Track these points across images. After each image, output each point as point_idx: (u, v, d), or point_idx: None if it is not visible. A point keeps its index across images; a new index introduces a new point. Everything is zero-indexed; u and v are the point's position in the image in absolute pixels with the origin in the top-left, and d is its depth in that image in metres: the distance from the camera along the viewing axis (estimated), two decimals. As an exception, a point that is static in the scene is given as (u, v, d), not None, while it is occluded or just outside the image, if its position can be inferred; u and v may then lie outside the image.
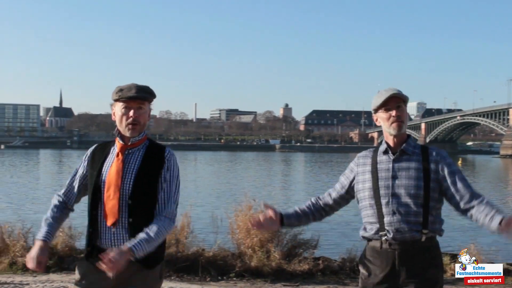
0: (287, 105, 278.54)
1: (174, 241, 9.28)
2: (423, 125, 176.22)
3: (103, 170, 3.80)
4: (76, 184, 3.98)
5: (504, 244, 10.73)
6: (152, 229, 3.61)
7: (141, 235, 3.58)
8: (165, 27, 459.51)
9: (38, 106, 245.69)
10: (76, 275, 3.87)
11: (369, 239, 4.03)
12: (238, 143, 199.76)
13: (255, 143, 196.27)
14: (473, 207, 3.80)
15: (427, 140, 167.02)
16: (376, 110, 4.03)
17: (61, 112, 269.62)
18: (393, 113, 3.92)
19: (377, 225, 3.94)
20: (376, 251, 3.98)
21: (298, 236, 9.75)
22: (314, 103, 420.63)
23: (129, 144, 3.82)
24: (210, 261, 9.17)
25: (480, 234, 10.59)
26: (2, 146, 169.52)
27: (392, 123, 3.93)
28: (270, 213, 4.11)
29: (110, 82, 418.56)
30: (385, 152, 4.01)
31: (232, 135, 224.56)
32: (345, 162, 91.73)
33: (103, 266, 3.42)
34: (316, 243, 9.82)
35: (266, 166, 75.23)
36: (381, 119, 4.00)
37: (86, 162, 3.95)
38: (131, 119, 3.76)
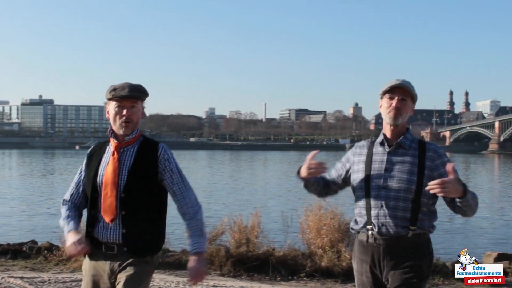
0: (357, 104, 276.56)
1: (245, 241, 9.31)
2: (497, 124, 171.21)
3: (99, 170, 3.91)
4: (80, 185, 4.07)
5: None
6: (194, 225, 3.89)
7: (194, 232, 3.88)
8: (237, 27, 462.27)
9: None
10: (83, 271, 4.03)
11: (357, 232, 3.99)
12: (308, 143, 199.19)
13: (324, 143, 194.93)
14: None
15: (501, 139, 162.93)
16: (382, 96, 4.00)
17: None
18: (394, 102, 3.89)
19: (365, 218, 3.91)
20: (363, 245, 3.95)
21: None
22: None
23: (123, 142, 3.91)
24: (281, 261, 9.17)
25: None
26: (77, 147, 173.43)
27: (389, 111, 3.90)
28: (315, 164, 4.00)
29: (182, 84, 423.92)
30: (382, 144, 3.98)
31: (301, 135, 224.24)
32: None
33: (191, 283, 3.83)
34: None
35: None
36: (383, 106, 3.97)
37: (85, 165, 4.06)
38: (124, 117, 3.84)
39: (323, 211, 9.50)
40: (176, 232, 12.92)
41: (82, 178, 4.06)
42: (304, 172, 3.97)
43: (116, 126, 3.89)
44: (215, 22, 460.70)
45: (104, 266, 3.85)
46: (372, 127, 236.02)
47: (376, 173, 3.89)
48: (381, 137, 4.00)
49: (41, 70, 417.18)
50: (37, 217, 21.13)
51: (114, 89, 3.87)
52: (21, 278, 8.41)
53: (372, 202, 3.86)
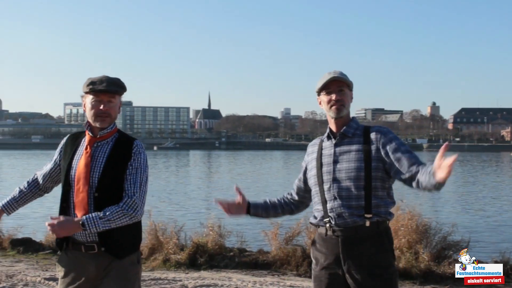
0: (434, 103, 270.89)
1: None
2: None
3: (73, 163, 3.85)
4: (47, 169, 4.10)
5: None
6: (108, 210, 3.64)
7: (96, 213, 3.63)
8: (313, 27, 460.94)
9: (188, 109, 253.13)
10: (59, 272, 3.89)
11: (316, 226, 3.98)
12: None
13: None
14: (417, 172, 3.58)
15: None
16: (318, 93, 4.00)
17: (210, 114, 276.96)
18: (333, 96, 3.89)
19: (322, 212, 3.90)
20: (322, 238, 3.92)
21: (448, 237, 9.50)
22: (462, 101, 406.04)
23: (98, 137, 3.86)
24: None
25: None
26: (155, 148, 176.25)
27: (331, 106, 3.91)
28: (239, 198, 4.13)
29: (258, 84, 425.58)
30: (328, 138, 4.01)
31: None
32: (498, 162, 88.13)
33: (48, 227, 3.56)
34: (467, 245, 9.51)
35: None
36: (323, 102, 3.98)
37: (59, 152, 4.05)
38: (101, 111, 3.79)
39: (400, 211, 9.39)
40: (251, 232, 13.00)
41: (52, 162, 4.08)
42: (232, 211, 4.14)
43: (92, 120, 3.83)
44: (291, 22, 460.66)
45: (87, 266, 3.76)
46: (450, 126, 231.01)
47: (326, 167, 3.91)
48: (327, 131, 4.02)
49: (120, 72, 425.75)
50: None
51: (92, 83, 3.80)
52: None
53: (327, 195, 3.86)
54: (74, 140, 3.99)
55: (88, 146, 3.83)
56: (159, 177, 45.87)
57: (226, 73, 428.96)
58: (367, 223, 3.76)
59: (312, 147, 4.14)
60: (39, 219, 15.72)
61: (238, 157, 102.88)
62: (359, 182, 3.78)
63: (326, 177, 3.88)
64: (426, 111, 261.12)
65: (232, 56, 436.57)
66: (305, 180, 4.17)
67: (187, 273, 9.17)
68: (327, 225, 3.86)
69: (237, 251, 10.25)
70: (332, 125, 3.98)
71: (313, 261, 4.00)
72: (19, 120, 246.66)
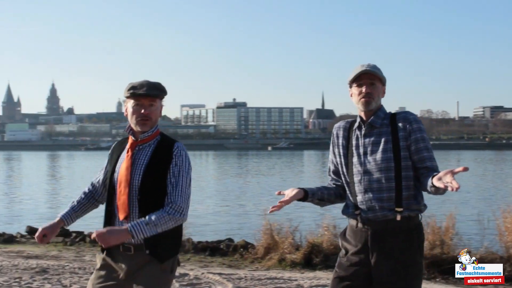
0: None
1: (439, 242, 9.11)
2: None
3: (117, 167, 3.92)
4: (101, 177, 4.14)
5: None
6: (154, 215, 3.65)
7: (142, 219, 3.64)
8: (425, 26, 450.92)
9: (301, 109, 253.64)
10: (97, 263, 4.00)
11: (348, 217, 3.97)
12: (504, 141, 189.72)
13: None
14: (422, 174, 3.69)
15: None
16: (350, 85, 3.97)
17: (323, 114, 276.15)
18: (364, 89, 3.86)
19: (353, 204, 3.89)
20: (352, 230, 3.91)
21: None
22: None
23: (139, 140, 3.87)
24: (476, 265, 8.83)
25: None
26: (270, 148, 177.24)
27: (361, 98, 3.88)
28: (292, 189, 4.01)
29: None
30: (359, 128, 3.96)
31: (497, 133, 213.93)
32: None
33: (96, 238, 3.57)
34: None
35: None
36: (354, 94, 3.94)
37: (108, 160, 4.09)
38: (142, 115, 3.80)
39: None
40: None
41: (103, 171, 4.13)
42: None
43: (134, 123, 3.86)
44: (405, 22, 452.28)
45: (121, 265, 3.85)
46: None
47: (356, 158, 3.88)
48: (357, 121, 3.98)
49: (234, 74, 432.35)
50: (232, 216, 21.88)
51: (133, 87, 3.83)
52: (219, 274, 8.76)
53: (357, 188, 3.84)
54: (120, 146, 4.08)
55: (130, 150, 3.90)
56: (274, 177, 46.18)
57: (340, 72, 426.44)
58: (398, 217, 3.74)
59: (339, 131, 4.10)
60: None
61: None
62: (389, 173, 3.75)
63: (357, 169, 3.87)
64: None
65: (345, 55, 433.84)
66: (336, 164, 4.10)
67: (303, 273, 9.18)
68: (358, 217, 3.85)
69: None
70: (363, 115, 3.95)
71: (342, 250, 3.99)
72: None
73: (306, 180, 44.56)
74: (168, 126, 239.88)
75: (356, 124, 3.99)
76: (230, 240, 12.54)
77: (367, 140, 3.88)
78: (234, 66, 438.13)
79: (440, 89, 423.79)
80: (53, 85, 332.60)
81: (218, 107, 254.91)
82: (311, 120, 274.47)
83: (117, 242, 3.66)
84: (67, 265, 9.62)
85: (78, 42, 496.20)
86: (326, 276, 8.65)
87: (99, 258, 3.99)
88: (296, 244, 10.22)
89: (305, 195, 4.02)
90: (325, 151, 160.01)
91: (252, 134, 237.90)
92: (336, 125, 4.16)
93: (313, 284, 8.17)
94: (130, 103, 3.87)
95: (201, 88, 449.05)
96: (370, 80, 3.87)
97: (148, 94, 3.79)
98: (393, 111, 3.94)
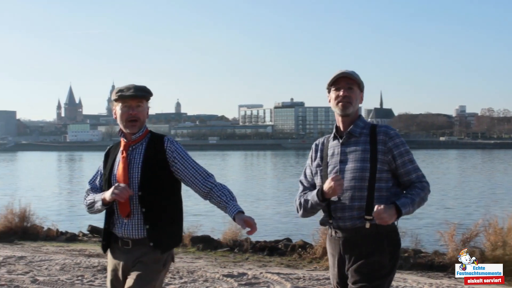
0: None
1: (501, 243, 8.96)
2: None
3: (113, 168, 4.13)
4: (97, 182, 4.31)
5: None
6: (221, 190, 3.99)
7: (227, 198, 3.96)
8: (474, 23, 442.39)
9: (359, 108, 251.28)
10: (108, 261, 4.26)
11: (324, 226, 4.03)
12: None
13: None
14: (409, 186, 3.81)
15: None
16: (328, 89, 3.98)
17: (382, 113, 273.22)
18: (341, 92, 3.88)
19: (327, 213, 3.92)
20: (329, 238, 4.00)
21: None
22: None
23: (131, 141, 4.08)
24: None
25: None
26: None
27: (338, 102, 3.89)
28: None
29: (432, 82, 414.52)
30: (335, 137, 3.98)
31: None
32: None
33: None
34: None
35: None
36: (331, 98, 3.95)
37: (102, 163, 4.31)
38: (130, 116, 4.01)
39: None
40: (426, 233, 12.71)
41: (99, 175, 4.30)
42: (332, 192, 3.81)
43: (123, 125, 4.07)
44: (465, 20, 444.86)
45: (120, 260, 4.09)
46: None
47: (332, 167, 3.89)
48: (334, 130, 3.99)
49: (292, 74, 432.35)
50: (290, 216, 21.86)
51: (120, 90, 4.05)
52: (278, 274, 8.76)
53: None
54: (113, 150, 4.28)
55: (124, 151, 4.10)
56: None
57: (399, 71, 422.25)
58: (367, 225, 3.76)
59: (318, 146, 4.11)
60: (216, 217, 16.27)
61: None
62: (362, 182, 3.76)
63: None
64: None
65: (404, 53, 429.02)
66: (311, 175, 4.10)
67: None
68: (331, 226, 3.92)
69: (412, 252, 10.09)
70: (340, 124, 3.96)
71: (328, 260, 4.09)
72: (197, 123, 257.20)
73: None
74: (226, 126, 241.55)
75: (332, 134, 4.04)
76: (288, 240, 12.56)
77: (344, 148, 3.90)
78: (292, 65, 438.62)
79: (503, 87, 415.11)
80: (113, 86, 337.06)
81: (275, 107, 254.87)
82: (369, 119, 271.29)
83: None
84: (127, 264, 9.74)
85: (138, 43, 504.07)
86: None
87: (108, 257, 4.25)
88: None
89: None
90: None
91: (310, 134, 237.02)
92: (317, 141, 4.18)
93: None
94: (119, 106, 4.08)
95: (259, 88, 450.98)
96: (348, 84, 3.91)
97: (135, 95, 4.01)
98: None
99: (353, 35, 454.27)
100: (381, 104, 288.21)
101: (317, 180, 4.00)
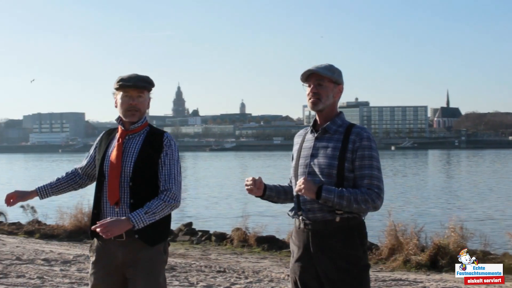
0: None
1: None
2: None
3: (107, 155, 4.11)
4: (85, 162, 4.36)
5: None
6: (151, 204, 3.87)
7: (140, 209, 3.84)
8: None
9: (425, 107, 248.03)
10: (91, 257, 4.14)
11: (292, 217, 4.02)
12: None
13: None
14: (358, 188, 3.76)
15: None
16: (304, 86, 4.01)
17: (448, 112, 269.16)
18: (310, 89, 3.92)
19: (296, 204, 3.96)
20: (296, 230, 3.98)
21: None
22: None
23: (129, 130, 4.09)
24: None
25: None
26: (393, 147, 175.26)
27: (309, 99, 3.94)
28: (260, 180, 4.04)
29: (499, 80, 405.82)
30: (312, 131, 4.02)
31: None
32: None
33: (97, 230, 3.72)
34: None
35: None
36: (306, 94, 3.98)
37: (94, 148, 4.31)
38: (130, 106, 4.02)
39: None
40: (495, 234, 12.46)
41: (88, 157, 4.36)
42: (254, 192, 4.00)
43: (123, 114, 4.08)
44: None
45: (115, 254, 3.99)
46: None
47: (304, 160, 3.93)
48: (312, 124, 4.04)
49: (356, 73, 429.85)
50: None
51: (122, 79, 4.04)
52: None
53: None
54: (108, 135, 4.26)
55: (120, 139, 4.10)
56: (397, 177, 45.57)
57: (466, 70, 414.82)
58: (337, 219, 3.78)
59: (298, 138, 4.17)
60: (280, 218, 16.31)
61: (479, 157, 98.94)
62: (330, 179, 3.79)
63: (302, 170, 3.93)
64: None
65: (471, 52, 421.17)
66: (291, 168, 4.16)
67: (428, 275, 9.03)
68: (300, 217, 3.91)
69: (481, 254, 9.91)
70: (318, 117, 4.02)
71: (291, 253, 4.05)
72: (261, 123, 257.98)
73: (431, 180, 43.62)
74: (290, 126, 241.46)
75: (309, 128, 4.07)
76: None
77: (317, 143, 3.93)
78: (356, 65, 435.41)
79: None
80: (178, 88, 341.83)
81: (340, 107, 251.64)
82: (435, 118, 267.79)
83: (120, 232, 3.82)
84: (194, 263, 9.89)
85: (202, 45, 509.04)
86: (453, 279, 8.43)
87: (92, 251, 4.16)
88: (421, 245, 10.08)
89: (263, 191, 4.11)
90: (450, 150, 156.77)
91: (375, 134, 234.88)
92: (298, 133, 4.25)
93: (439, 286, 8.02)
94: (120, 95, 4.10)
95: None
96: (317, 81, 3.93)
97: (136, 85, 4.03)
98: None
99: (418, 32, 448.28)
100: (448, 103, 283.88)
101: (291, 171, 4.08)
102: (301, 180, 3.72)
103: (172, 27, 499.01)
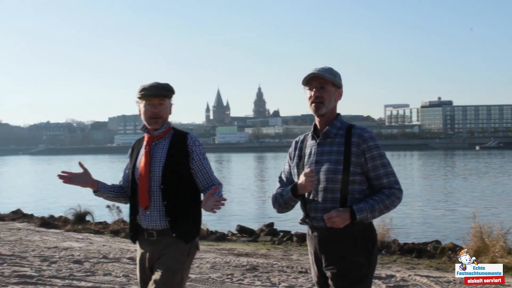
0: None
1: None
2: None
3: (137, 162, 4.35)
4: (127, 174, 4.52)
5: None
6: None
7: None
8: None
9: (511, 106, 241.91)
10: (136, 257, 4.46)
11: (303, 225, 4.04)
12: None
13: None
14: (379, 190, 3.81)
15: None
16: (305, 90, 3.96)
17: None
18: (313, 93, 3.87)
19: (304, 212, 3.97)
20: (307, 237, 4.05)
21: None
22: None
23: (154, 136, 4.31)
24: None
25: None
26: (477, 147, 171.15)
27: (311, 103, 3.89)
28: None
29: None
30: (312, 136, 3.99)
31: None
32: None
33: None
34: None
35: None
36: (307, 98, 3.94)
37: (129, 157, 4.52)
38: (153, 114, 4.24)
39: None
40: None
41: (126, 168, 4.53)
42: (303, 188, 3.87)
43: (147, 122, 4.31)
44: None
45: (146, 250, 4.31)
46: None
47: (308, 167, 3.86)
48: (312, 129, 4.01)
49: (439, 72, 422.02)
50: (439, 217, 21.39)
51: (144, 89, 4.26)
52: (427, 277, 8.62)
53: (306, 196, 3.89)
54: (138, 144, 4.50)
55: (147, 146, 4.32)
56: (483, 178, 44.52)
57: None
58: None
59: (297, 143, 4.14)
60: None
61: None
62: (335, 184, 3.79)
63: None
64: None
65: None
66: (288, 174, 4.14)
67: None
68: (308, 225, 3.97)
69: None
70: (317, 122, 3.98)
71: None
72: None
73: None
74: (372, 126, 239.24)
75: (310, 134, 4.05)
76: (437, 242, 12.31)
77: (320, 149, 3.91)
78: (439, 64, 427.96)
79: None
80: (259, 89, 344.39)
81: (422, 106, 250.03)
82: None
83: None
84: (276, 264, 9.95)
85: (283, 45, 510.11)
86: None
87: (137, 249, 4.46)
88: (508, 248, 9.85)
89: None
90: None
91: (459, 134, 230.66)
92: (297, 138, 4.21)
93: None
94: (142, 104, 4.31)
95: (405, 88, 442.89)
96: (320, 84, 3.88)
97: (157, 94, 4.25)
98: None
99: (506, 29, 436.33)
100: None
101: (295, 178, 4.03)
102: (332, 213, 3.70)
103: (252, 28, 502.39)
